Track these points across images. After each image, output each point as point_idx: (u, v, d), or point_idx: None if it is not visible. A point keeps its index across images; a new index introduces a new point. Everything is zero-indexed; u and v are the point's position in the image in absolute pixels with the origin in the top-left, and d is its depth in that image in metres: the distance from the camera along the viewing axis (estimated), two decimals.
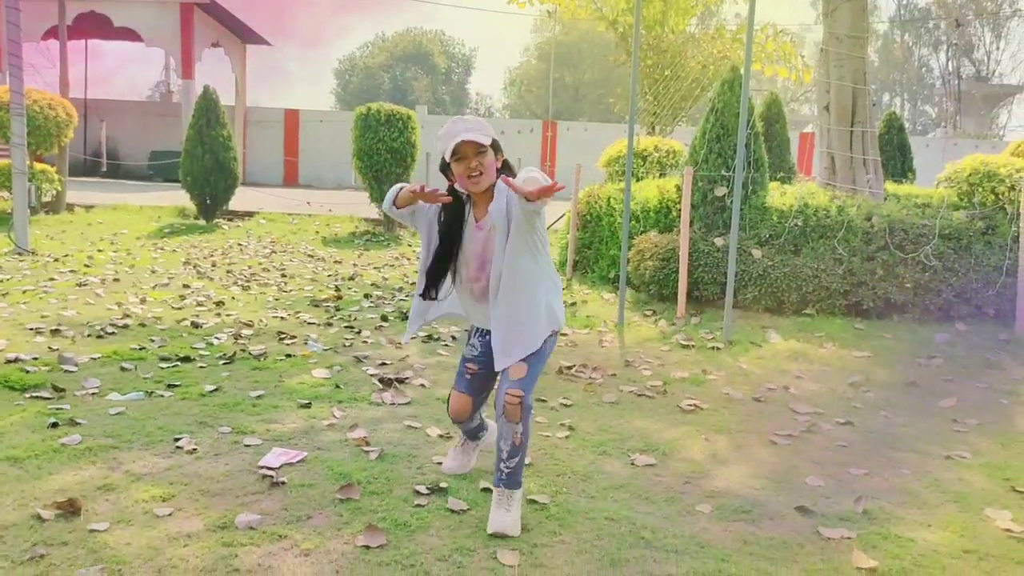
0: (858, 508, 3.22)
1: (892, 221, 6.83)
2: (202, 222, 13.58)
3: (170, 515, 2.86)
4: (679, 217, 7.29)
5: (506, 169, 2.88)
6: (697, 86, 12.63)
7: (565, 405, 4.51)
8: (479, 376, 3.07)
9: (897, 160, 11.59)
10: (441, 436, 3.83)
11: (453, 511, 2.99)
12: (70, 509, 2.82)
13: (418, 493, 3.12)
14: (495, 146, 2.84)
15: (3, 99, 12.88)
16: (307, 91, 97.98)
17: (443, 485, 3.20)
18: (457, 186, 2.87)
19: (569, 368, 5.28)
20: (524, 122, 29.02)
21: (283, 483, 3.17)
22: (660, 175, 9.12)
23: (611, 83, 26.53)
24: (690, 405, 4.59)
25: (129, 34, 21.77)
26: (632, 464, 3.62)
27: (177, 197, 17.33)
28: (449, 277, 3.00)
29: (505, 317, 2.84)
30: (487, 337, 3.00)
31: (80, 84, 25.13)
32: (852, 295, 6.82)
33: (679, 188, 7.47)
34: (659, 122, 12.89)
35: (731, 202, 6.82)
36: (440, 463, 3.44)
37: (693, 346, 6.08)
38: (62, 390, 4.26)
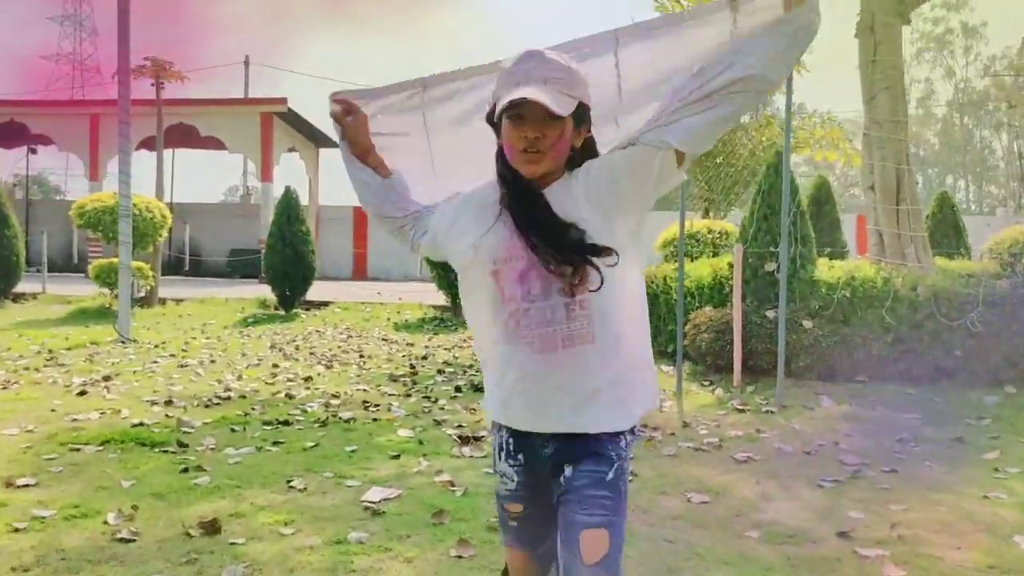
0: (894, 534, 3.58)
1: (937, 290, 7.19)
2: (282, 312, 14.48)
3: (293, 534, 3.40)
4: (732, 292, 7.75)
5: (588, 153, 1.86)
6: (747, 172, 13.24)
7: None
8: (529, 520, 1.96)
9: (951, 238, 11.90)
10: None
11: None
12: (212, 528, 3.38)
13: None
14: (579, 114, 1.78)
15: (107, 203, 14.17)
16: None
17: None
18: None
19: None
20: None
21: (384, 512, 3.69)
22: (713, 254, 9.63)
23: None
24: (743, 457, 4.98)
25: (214, 142, 23.52)
26: (688, 501, 4.04)
27: (256, 290, 18.45)
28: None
29: (580, 359, 1.79)
30: (521, 457, 1.91)
31: (166, 189, 27.04)
32: (902, 362, 7.14)
33: (731, 265, 7.96)
34: (712, 207, 13.48)
35: (780, 276, 7.28)
36: None
37: (748, 410, 6.46)
38: (185, 446, 4.89)
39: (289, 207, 14.45)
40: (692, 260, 9.52)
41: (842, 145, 13.96)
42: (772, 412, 6.38)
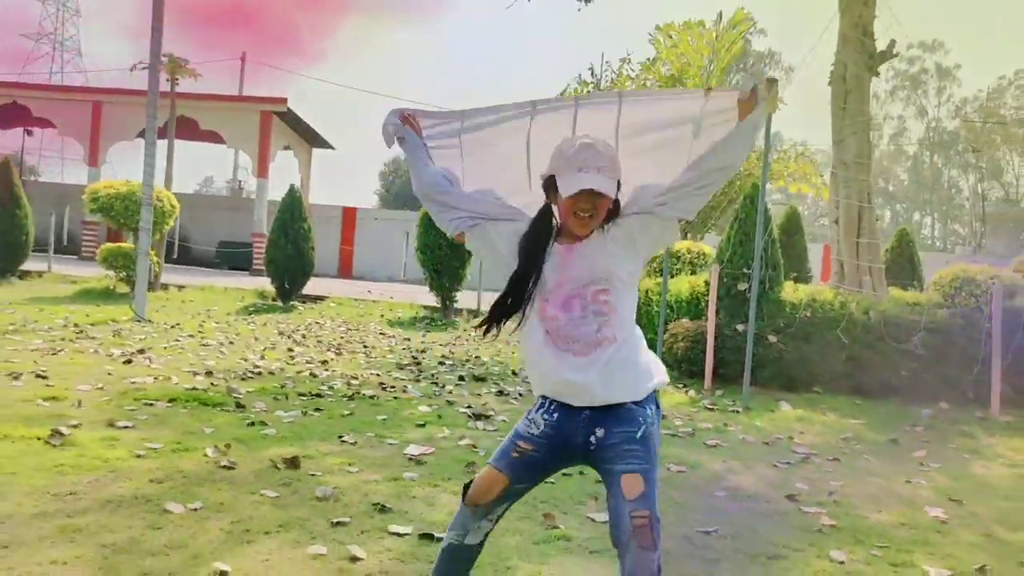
0: (831, 500, 4.52)
1: (887, 316, 8.20)
2: (280, 303, 15.24)
3: (357, 471, 4.26)
4: (707, 307, 8.71)
5: (615, 211, 2.46)
6: (724, 199, 14.26)
7: None
8: (529, 461, 2.48)
9: (908, 271, 13.02)
10: None
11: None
12: (293, 464, 4.23)
13: None
14: (617, 185, 2.39)
15: (119, 190, 14.85)
16: (352, 188, 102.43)
17: None
18: (556, 211, 2.46)
19: None
20: None
21: (424, 462, 4.56)
22: (691, 272, 10.60)
23: None
24: (713, 443, 5.90)
25: (213, 136, 24.17)
26: (668, 470, 4.94)
27: (250, 282, 19.17)
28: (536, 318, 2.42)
29: (611, 355, 2.38)
30: (556, 414, 2.43)
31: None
32: (853, 376, 8.14)
33: (707, 283, 8.92)
34: (691, 229, 14.47)
35: (750, 295, 8.24)
36: None
37: (717, 409, 7.40)
38: (243, 407, 5.71)
39: (293, 204, 15.24)
40: (672, 277, 10.48)
41: (813, 179, 15.06)
42: (737, 412, 7.32)
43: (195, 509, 3.43)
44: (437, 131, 2.73)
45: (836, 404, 7.76)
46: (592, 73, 16.86)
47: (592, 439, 2.38)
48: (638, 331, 2.48)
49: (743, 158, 2.53)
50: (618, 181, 2.39)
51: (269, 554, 3.01)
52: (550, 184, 2.42)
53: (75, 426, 4.68)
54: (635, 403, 2.40)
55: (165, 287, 16.04)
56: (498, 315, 2.45)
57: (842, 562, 3.50)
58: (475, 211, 2.55)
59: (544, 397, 2.48)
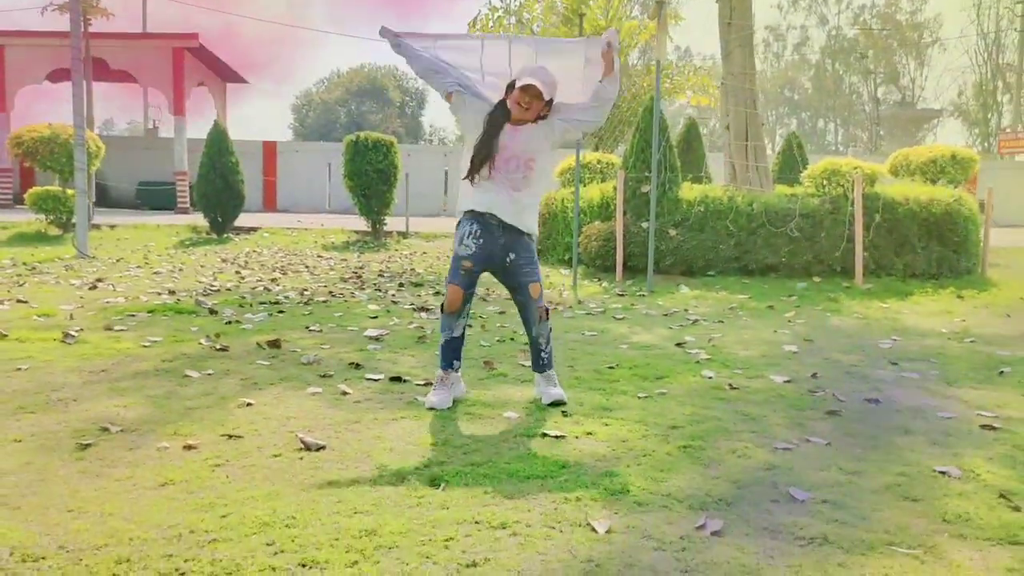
0: (710, 344, 5.69)
1: (767, 206, 9.43)
2: (215, 236, 15.77)
3: (330, 347, 5.20)
4: (616, 209, 9.79)
5: (544, 116, 3.84)
6: (631, 113, 15.30)
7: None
8: (472, 272, 3.80)
9: (796, 170, 14.37)
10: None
11: (485, 344, 5.38)
12: (276, 344, 5.14)
13: None
14: (549, 100, 3.78)
15: (43, 133, 15.00)
16: (265, 125, 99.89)
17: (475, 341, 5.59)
18: (508, 102, 3.77)
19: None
20: None
21: (383, 340, 5.53)
22: (601, 180, 11.65)
23: None
24: (621, 316, 7.04)
25: (124, 76, 23.88)
26: (583, 335, 6.04)
27: (174, 219, 19.48)
28: (488, 165, 3.76)
29: (524, 200, 3.82)
30: (481, 239, 3.77)
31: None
32: (741, 260, 9.39)
33: (615, 188, 9.98)
34: (602, 143, 15.50)
35: (652, 196, 9.34)
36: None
37: (626, 295, 8.55)
38: (215, 312, 6.55)
39: (219, 139, 15.64)
40: (584, 185, 11.52)
41: (711, 90, 16.21)
42: (644, 295, 8.49)
43: (209, 374, 4.33)
44: (418, 41, 4.08)
45: (727, 284, 9.01)
46: None
47: (508, 260, 3.89)
48: (540, 198, 4.07)
49: (617, 91, 4.06)
50: (552, 100, 3.84)
51: (278, 394, 3.96)
52: (511, 86, 3.79)
53: (79, 331, 5.47)
54: (529, 237, 3.95)
55: (97, 227, 16.34)
56: (478, 163, 3.79)
57: (711, 377, 4.64)
58: (460, 82, 3.98)
59: (471, 220, 3.84)
